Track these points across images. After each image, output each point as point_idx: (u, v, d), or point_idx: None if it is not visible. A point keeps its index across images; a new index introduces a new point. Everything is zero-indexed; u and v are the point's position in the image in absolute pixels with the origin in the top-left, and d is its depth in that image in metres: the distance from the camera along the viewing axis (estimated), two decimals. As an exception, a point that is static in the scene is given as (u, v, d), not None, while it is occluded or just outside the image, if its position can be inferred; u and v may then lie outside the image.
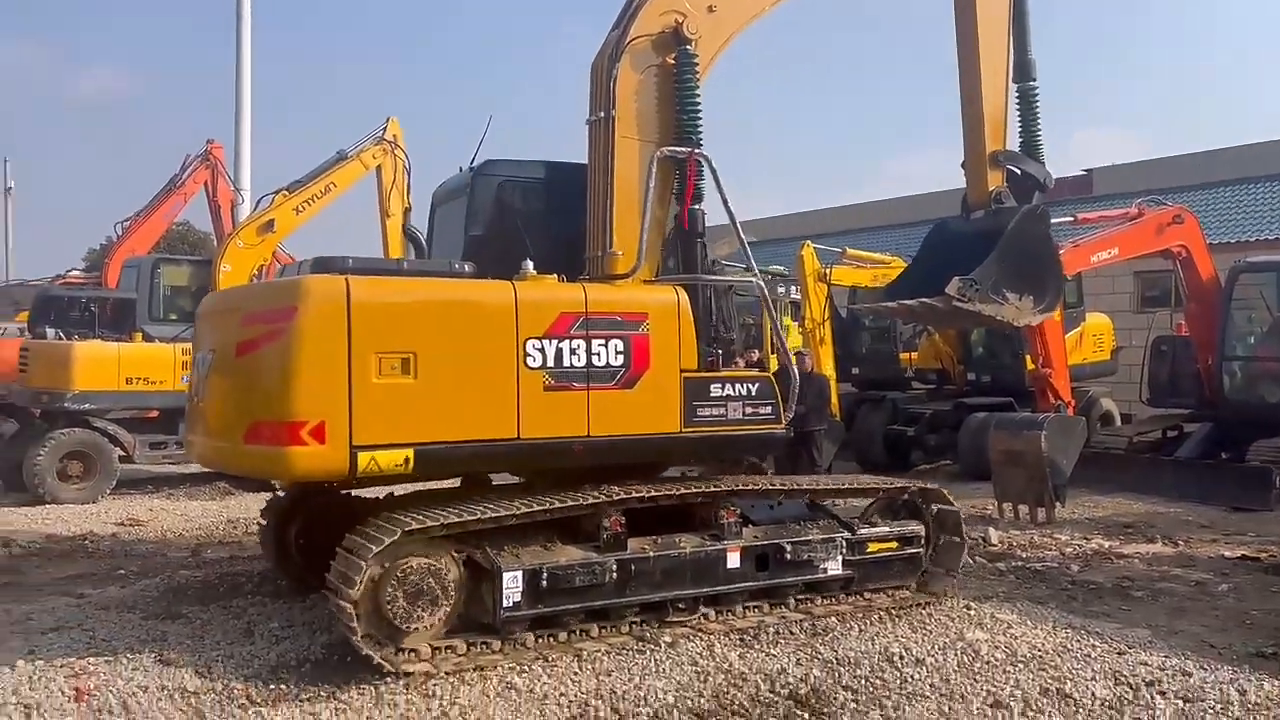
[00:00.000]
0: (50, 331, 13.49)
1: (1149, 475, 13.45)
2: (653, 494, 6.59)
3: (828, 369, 15.25)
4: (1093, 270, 14.57)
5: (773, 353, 8.04)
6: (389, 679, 5.64)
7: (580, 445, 6.38)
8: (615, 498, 6.35)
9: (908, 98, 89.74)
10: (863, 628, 6.83)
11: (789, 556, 6.93)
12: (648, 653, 6.16)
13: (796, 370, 7.57)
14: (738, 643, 6.44)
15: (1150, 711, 5.29)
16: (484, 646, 6.00)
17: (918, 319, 10.75)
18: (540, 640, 6.13)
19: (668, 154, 7.09)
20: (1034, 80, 8.97)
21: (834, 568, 7.14)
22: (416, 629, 5.76)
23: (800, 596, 7.14)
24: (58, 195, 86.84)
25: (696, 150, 7.11)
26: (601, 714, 5.24)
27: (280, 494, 8.05)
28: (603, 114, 7.07)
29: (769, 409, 7.07)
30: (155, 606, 7.36)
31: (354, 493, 7.36)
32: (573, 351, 6.33)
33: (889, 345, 18.02)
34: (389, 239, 15.61)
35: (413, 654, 5.76)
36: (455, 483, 7.42)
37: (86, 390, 12.93)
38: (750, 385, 7.03)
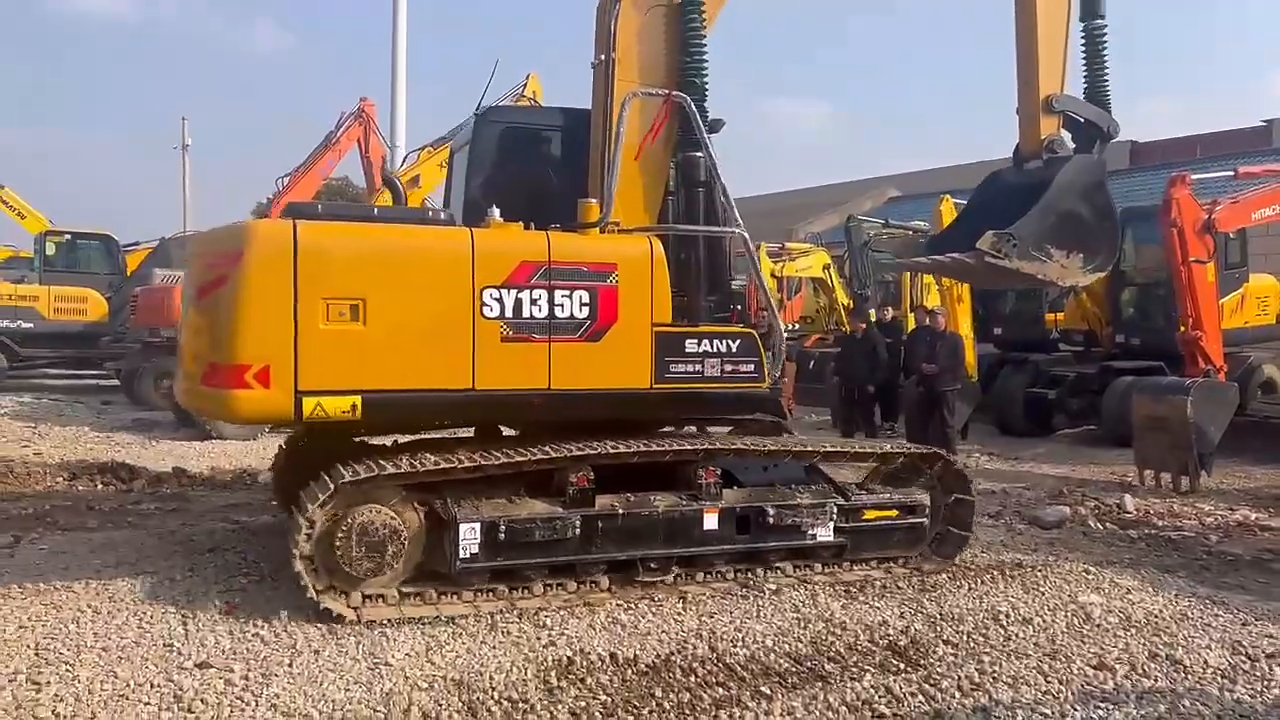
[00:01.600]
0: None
1: (1311, 446, 12.68)
2: (615, 451, 6.32)
3: (964, 328, 14.88)
4: (1261, 228, 13.69)
5: (762, 309, 7.63)
6: (504, 610, 5.98)
7: (539, 398, 6.24)
8: (576, 454, 6.18)
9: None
10: (973, 585, 6.79)
11: (772, 520, 6.65)
12: (750, 598, 6.32)
13: (782, 326, 7.23)
14: (842, 594, 6.52)
15: (1265, 682, 5.12)
16: (449, 595, 6.03)
17: (951, 275, 10.15)
18: (491, 594, 6.09)
19: (642, 95, 6.83)
20: (1102, 17, 8.23)
21: (824, 534, 6.82)
22: (371, 578, 5.84)
23: (796, 562, 6.88)
24: (234, 150, 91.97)
25: (675, 93, 6.85)
26: (700, 651, 5.43)
27: (288, 442, 8.20)
28: (604, 57, 6.90)
29: (751, 366, 6.78)
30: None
31: (365, 439, 7.28)
32: (533, 302, 6.15)
33: (1034, 305, 17.36)
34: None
35: (345, 597, 5.86)
36: (469, 431, 7.34)
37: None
38: (731, 341, 6.73)
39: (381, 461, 5.96)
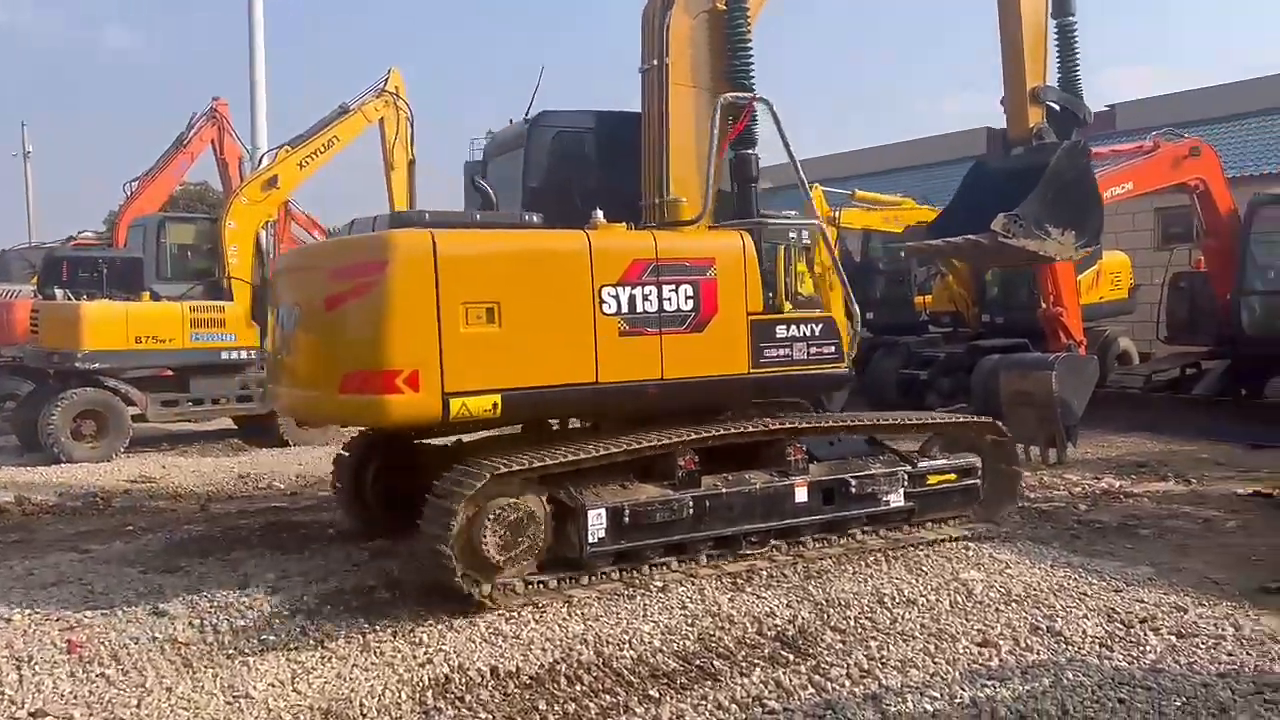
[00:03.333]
0: (59, 293, 13.54)
1: (1165, 414, 13.31)
2: (727, 432, 6.81)
3: (837, 314, 15.05)
4: (1112, 207, 14.26)
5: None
6: (376, 629, 5.68)
7: (655, 388, 6.60)
8: (692, 437, 6.58)
9: (921, 41, 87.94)
10: (856, 569, 6.78)
11: (854, 490, 7.16)
12: (636, 598, 6.15)
13: (858, 311, 7.76)
14: (729, 586, 6.41)
15: (1141, 647, 5.21)
16: (570, 580, 6.28)
17: (964, 256, 10.94)
18: (622, 574, 6.39)
19: (731, 100, 7.16)
20: (1072, 15, 8.99)
21: (896, 500, 7.38)
22: (510, 566, 6.01)
23: (866, 528, 7.42)
24: (79, 157, 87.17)
25: (757, 95, 7.21)
26: (585, 657, 5.23)
27: (346, 451, 8.24)
28: (655, 62, 7.14)
29: (832, 349, 7.32)
30: (155, 560, 7.43)
31: (423, 441, 7.70)
32: (645, 297, 6.53)
33: (903, 289, 17.81)
34: (394, 191, 15.52)
35: (510, 590, 6.06)
36: (516, 429, 7.55)
37: (96, 350, 12.99)
38: (814, 326, 7.23)
39: (518, 456, 6.11)
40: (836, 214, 15.32)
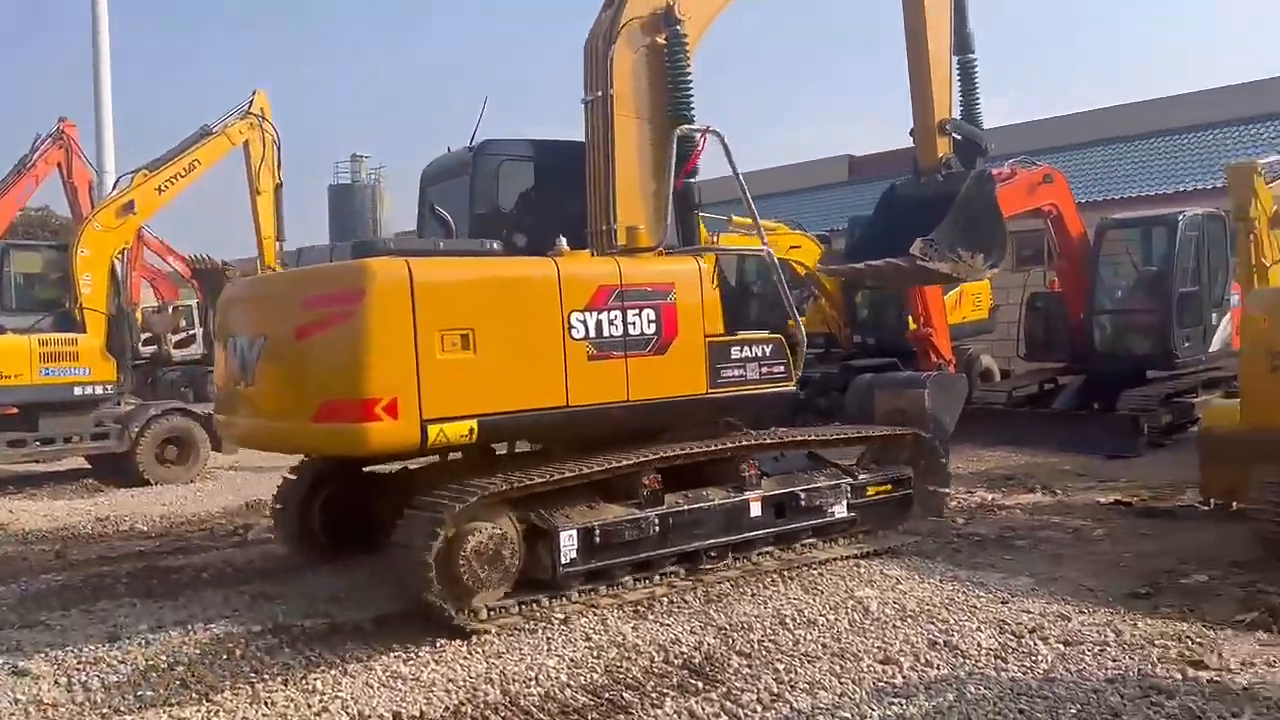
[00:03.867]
0: (-110, 326, 12.50)
1: (1027, 428, 13.88)
2: (693, 451, 7.06)
3: (788, 335, 15.26)
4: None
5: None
6: (265, 678, 5.39)
7: (622, 409, 6.79)
8: (656, 457, 6.84)
9: (791, 71, 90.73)
10: (755, 591, 6.83)
11: (804, 503, 7.53)
12: (539, 631, 6.02)
13: (804, 333, 8.08)
14: (632, 614, 6.36)
15: (1033, 657, 5.39)
16: (536, 604, 6.38)
17: (883, 279, 11.26)
18: (589, 594, 6.55)
19: (685, 132, 7.48)
20: (973, 53, 9.65)
21: (840, 511, 7.77)
22: (484, 590, 6.09)
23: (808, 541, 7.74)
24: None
25: (710, 127, 7.52)
26: (491, 697, 5.08)
27: (293, 477, 8.15)
28: (600, 93, 7.36)
29: (782, 368, 7.65)
30: (11, 614, 6.88)
31: (371, 469, 7.78)
32: (611, 322, 6.74)
33: (756, 310, 18.12)
34: (260, 216, 14.95)
35: (472, 613, 6.09)
36: (457, 456, 7.44)
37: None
38: (765, 347, 7.56)
39: (492, 480, 6.19)
40: (715, 239, 15.51)
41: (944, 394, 11.57)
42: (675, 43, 7.52)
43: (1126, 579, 7.01)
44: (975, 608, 6.33)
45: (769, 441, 7.74)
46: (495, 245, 6.94)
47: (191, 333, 26.15)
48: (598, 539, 6.44)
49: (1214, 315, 14.30)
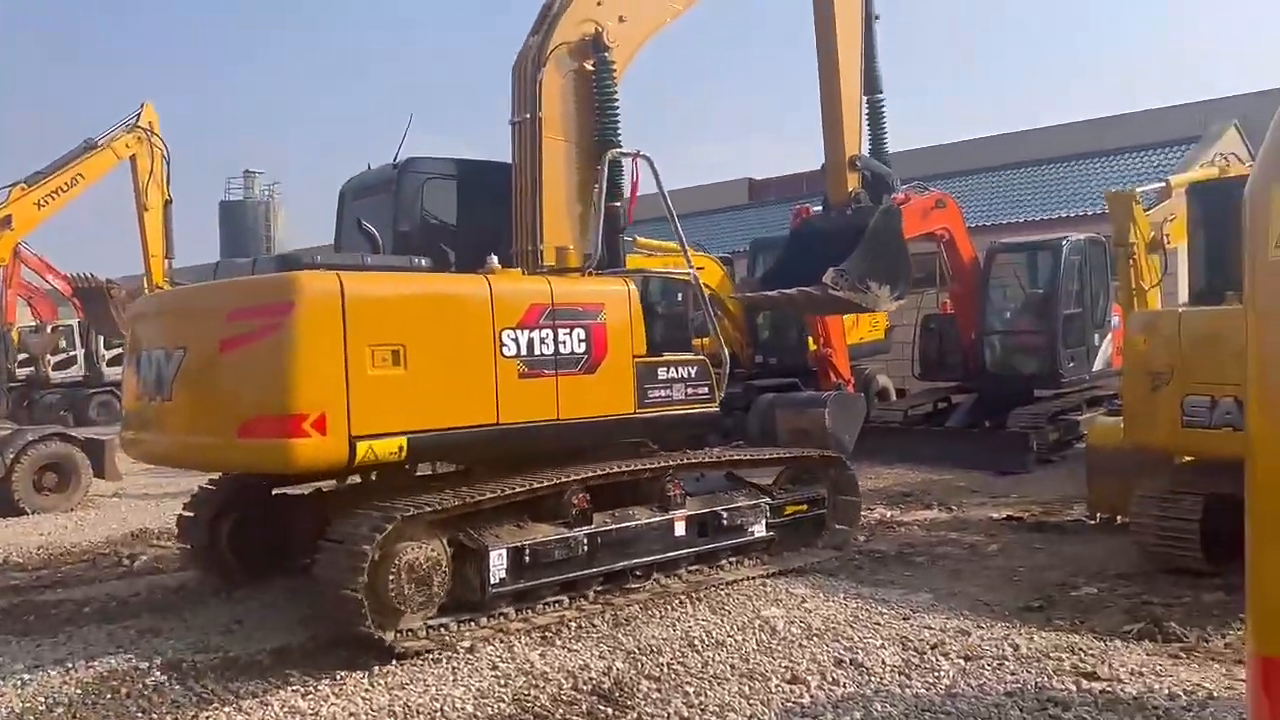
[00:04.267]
0: None
1: (923, 445, 14.25)
2: (619, 470, 7.08)
3: (712, 355, 15.30)
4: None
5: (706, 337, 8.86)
6: (153, 717, 5.14)
7: (550, 428, 6.82)
8: (583, 476, 6.86)
9: (703, 89, 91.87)
10: (664, 613, 6.81)
11: (725, 522, 7.64)
12: (444, 660, 5.89)
13: (728, 355, 8.24)
14: (539, 641, 6.27)
15: (936, 673, 5.50)
16: (470, 624, 6.31)
17: (796, 306, 11.57)
18: (521, 614, 6.51)
19: (616, 156, 7.66)
20: (880, 93, 10.14)
21: (759, 531, 7.89)
22: (412, 611, 5.99)
23: (732, 559, 7.84)
24: None
25: (641, 152, 7.72)
26: (395, 731, 4.94)
27: (210, 486, 7.97)
28: (528, 115, 7.48)
29: (706, 389, 7.77)
30: None
31: (281, 490, 7.66)
32: (542, 340, 6.76)
33: (680, 332, 18.27)
34: (148, 232, 14.44)
35: (409, 634, 6.02)
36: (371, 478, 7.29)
37: None
38: (690, 368, 7.69)
39: (420, 498, 6.10)
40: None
41: (844, 413, 11.87)
42: (603, 69, 7.69)
43: (1021, 593, 7.22)
44: (879, 625, 6.43)
45: (697, 461, 7.82)
46: (424, 261, 6.89)
47: (72, 354, 25.06)
48: (527, 559, 6.42)
49: (1096, 336, 14.95)
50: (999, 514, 10.26)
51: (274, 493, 7.71)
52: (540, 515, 6.74)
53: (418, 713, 5.13)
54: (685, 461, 7.70)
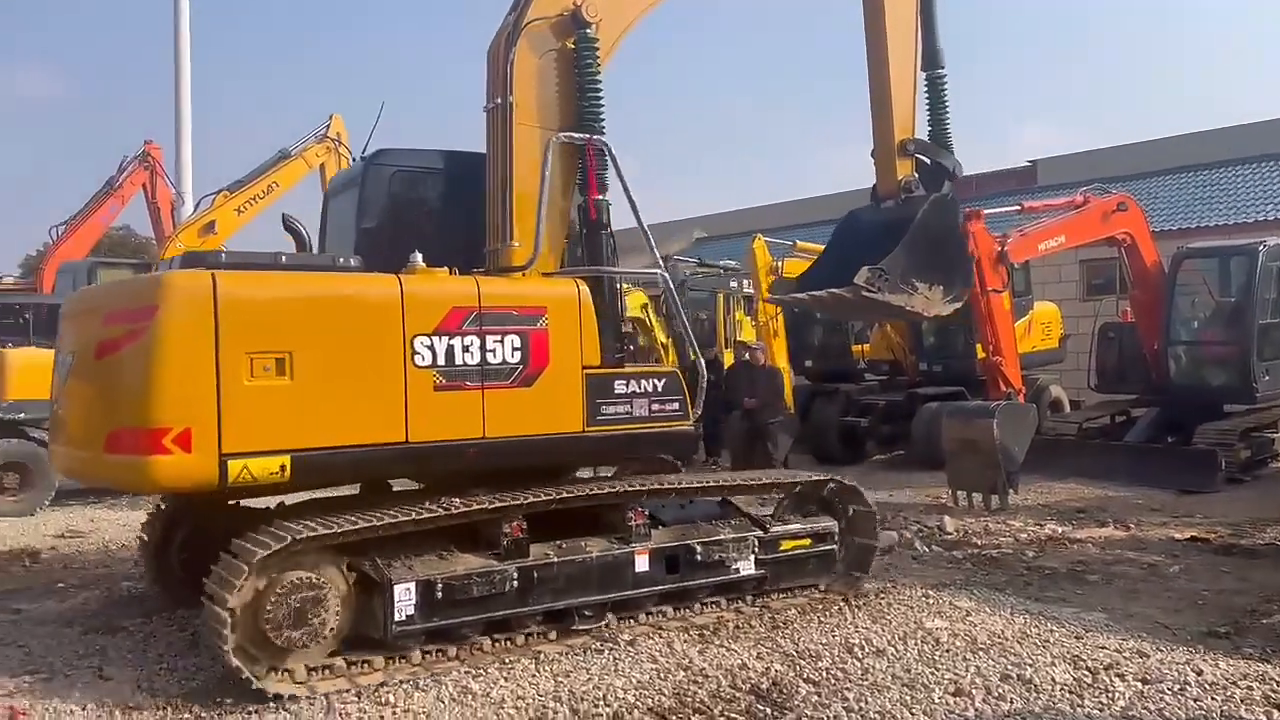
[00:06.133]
0: (-20, 339, 13.00)
1: (1099, 460, 13.61)
2: (557, 496, 6.26)
3: (781, 362, 15.22)
4: (1040, 259, 14.71)
5: (676, 345, 7.85)
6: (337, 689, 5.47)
7: (475, 448, 6.05)
8: (516, 502, 6.04)
9: (842, 95, 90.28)
10: (823, 619, 6.78)
11: (699, 558, 6.70)
12: (606, 651, 6.05)
13: (703, 365, 7.19)
14: (697, 638, 6.35)
15: (1110, 694, 5.28)
16: (366, 665, 5.66)
17: (827, 309, 10.60)
18: (429, 656, 5.81)
19: (564, 140, 6.80)
20: (942, 68, 8.76)
21: (746, 568, 6.91)
22: (299, 649, 5.42)
23: (708, 600, 6.89)
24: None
25: (596, 137, 6.84)
26: (561, 716, 5.11)
27: (163, 505, 7.48)
28: (500, 100, 6.74)
29: (676, 405, 6.82)
30: (95, 620, 7.08)
31: (243, 503, 6.62)
32: (465, 349, 6.02)
33: (842, 337, 18.06)
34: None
35: (286, 674, 5.42)
36: (354, 489, 6.91)
37: (20, 399, 12.42)
38: (657, 381, 6.79)
39: (309, 524, 5.50)
40: (779, 264, 15.51)
41: (1014, 424, 11.47)
42: (584, 47, 6.85)
43: (1205, 617, 6.84)
44: (1048, 642, 6.21)
45: (651, 487, 6.75)
46: (352, 261, 6.26)
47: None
48: (440, 594, 5.69)
49: (1296, 348, 13.91)
50: (1182, 534, 9.70)
51: (233, 505, 6.59)
52: (468, 545, 6.03)
53: (582, 699, 5.30)
54: (631, 488, 6.68)
